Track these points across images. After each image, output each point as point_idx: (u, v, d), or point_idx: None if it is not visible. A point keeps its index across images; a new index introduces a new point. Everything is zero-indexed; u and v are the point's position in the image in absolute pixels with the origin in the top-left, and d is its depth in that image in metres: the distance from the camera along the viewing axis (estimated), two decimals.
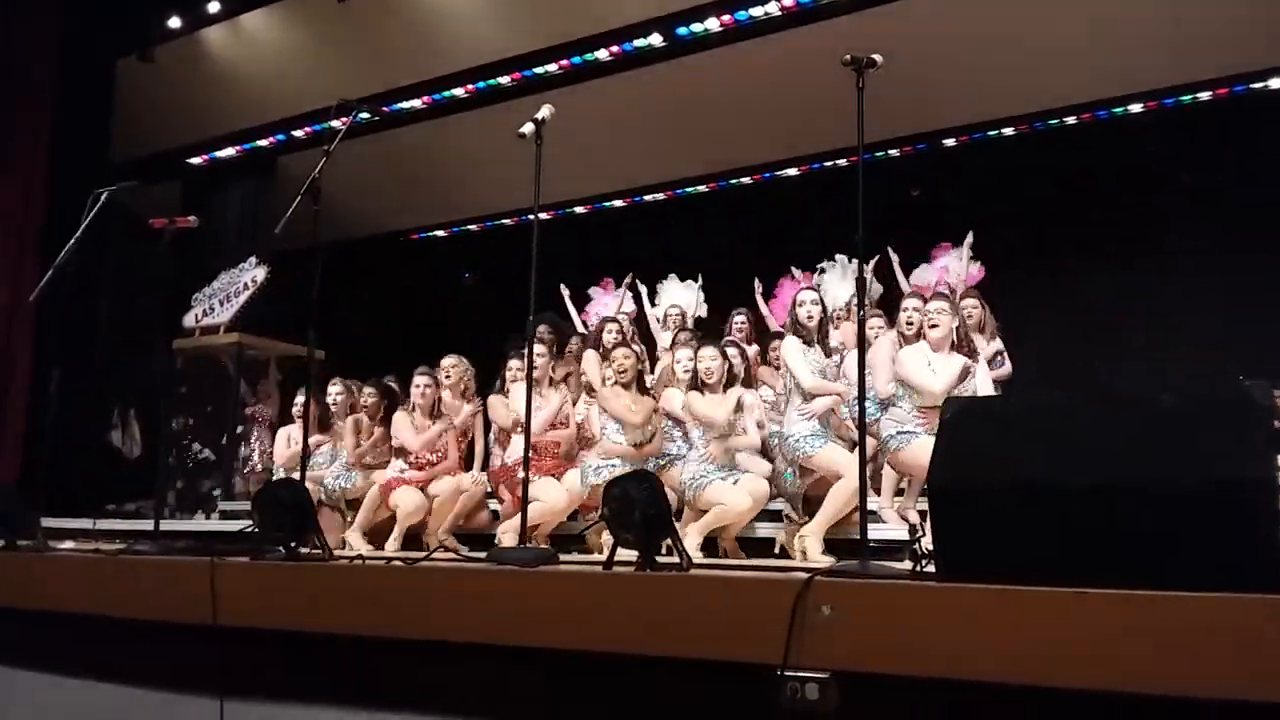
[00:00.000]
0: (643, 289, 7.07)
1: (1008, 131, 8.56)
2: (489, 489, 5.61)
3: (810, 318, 4.71)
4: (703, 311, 6.91)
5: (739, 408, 4.78)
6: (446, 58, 8.55)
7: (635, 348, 5.55)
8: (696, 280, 6.94)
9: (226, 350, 8.16)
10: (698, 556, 4.16)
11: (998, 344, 5.50)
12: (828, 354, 4.84)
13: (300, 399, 6.20)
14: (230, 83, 9.21)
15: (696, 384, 4.75)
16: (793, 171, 9.56)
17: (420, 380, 5.59)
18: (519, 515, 3.74)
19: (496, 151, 6.36)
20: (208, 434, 8.15)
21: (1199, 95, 7.87)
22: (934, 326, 4.42)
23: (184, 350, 8.24)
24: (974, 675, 2.11)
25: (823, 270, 6.29)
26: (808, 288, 5.02)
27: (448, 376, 5.73)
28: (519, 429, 4.78)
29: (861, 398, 3.08)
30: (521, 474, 3.73)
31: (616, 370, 5.01)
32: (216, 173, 10.37)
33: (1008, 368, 5.50)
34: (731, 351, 4.99)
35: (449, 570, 3.26)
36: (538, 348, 5.18)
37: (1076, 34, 7.27)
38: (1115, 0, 7.08)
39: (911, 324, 4.61)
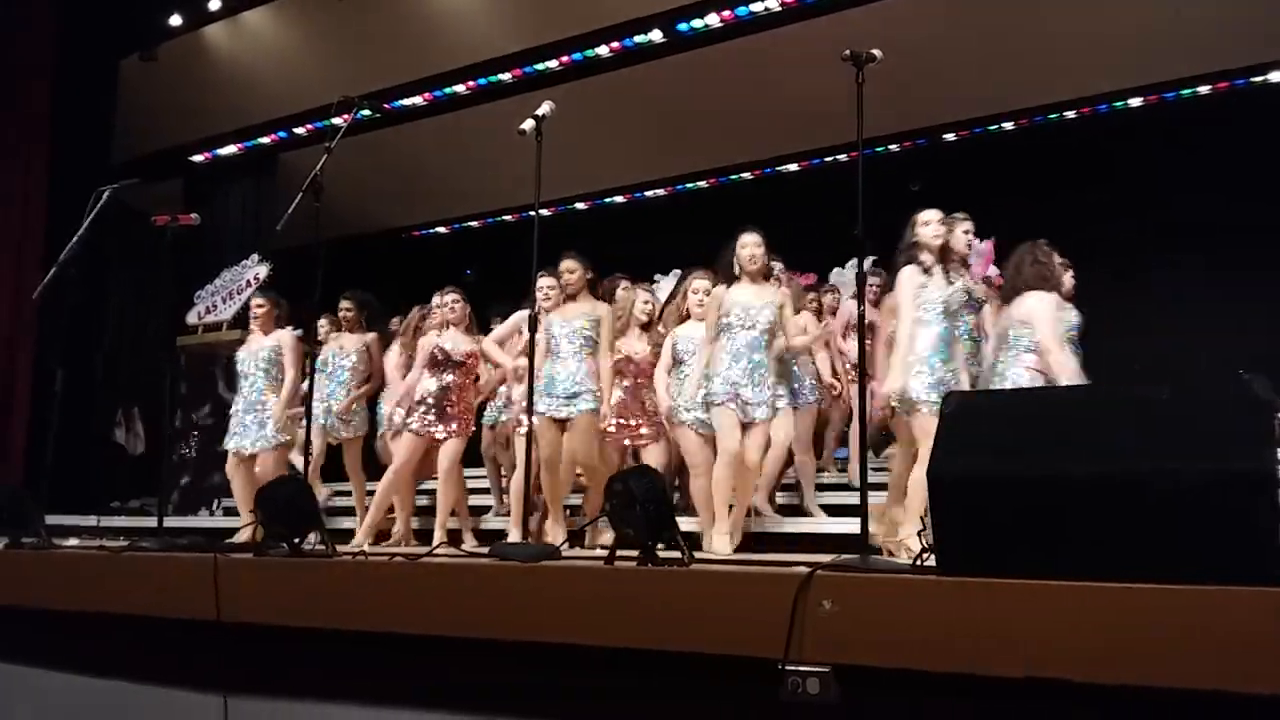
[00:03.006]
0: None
1: (1008, 125, 8.57)
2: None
3: (937, 238, 4.27)
4: None
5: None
6: (447, 54, 8.55)
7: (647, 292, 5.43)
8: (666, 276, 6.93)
9: (229, 347, 8.18)
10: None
11: None
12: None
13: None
14: (231, 80, 9.22)
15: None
16: (793, 167, 9.56)
17: (449, 298, 5.49)
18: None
19: (497, 148, 6.36)
20: (211, 431, 8.17)
21: (1199, 89, 7.88)
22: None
23: (187, 347, 8.26)
24: (975, 669, 2.11)
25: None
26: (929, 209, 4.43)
27: (451, 311, 5.55)
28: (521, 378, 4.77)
29: (862, 394, 3.08)
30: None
31: (638, 312, 5.00)
32: (218, 170, 10.39)
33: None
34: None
35: (451, 566, 3.27)
36: (572, 263, 5.02)
37: (1076, 28, 7.26)
38: None
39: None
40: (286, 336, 5.82)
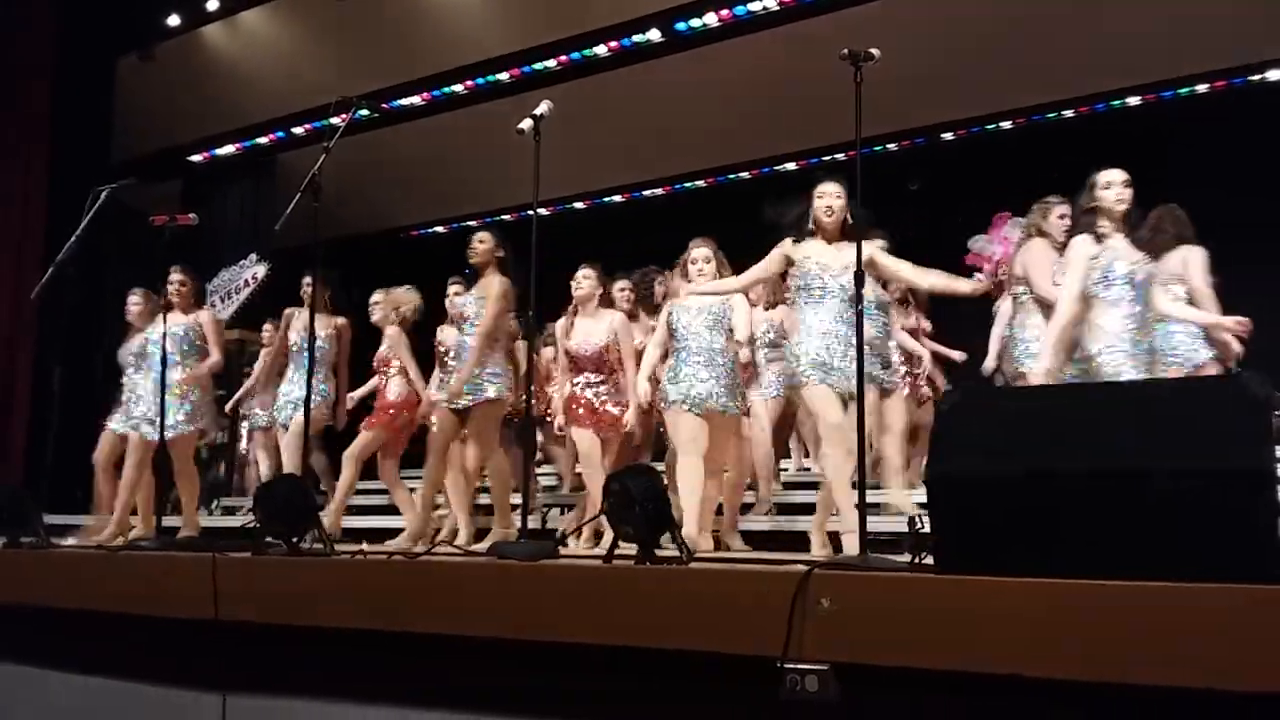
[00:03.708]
0: None
1: (1006, 125, 8.58)
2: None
3: (1120, 202, 3.70)
4: None
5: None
6: (445, 54, 8.55)
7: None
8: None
9: (227, 347, 8.18)
10: None
11: None
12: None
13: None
14: (230, 80, 9.22)
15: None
16: (791, 166, 9.55)
17: (451, 290, 5.51)
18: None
19: (496, 148, 6.37)
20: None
21: (1197, 88, 7.89)
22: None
23: None
24: (973, 667, 2.12)
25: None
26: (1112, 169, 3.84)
27: (452, 305, 5.57)
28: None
29: (860, 383, 3.07)
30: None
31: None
32: (217, 170, 10.39)
33: None
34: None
35: (450, 564, 3.27)
36: (483, 234, 4.95)
37: (1075, 26, 7.27)
38: None
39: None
40: (206, 316, 5.60)
